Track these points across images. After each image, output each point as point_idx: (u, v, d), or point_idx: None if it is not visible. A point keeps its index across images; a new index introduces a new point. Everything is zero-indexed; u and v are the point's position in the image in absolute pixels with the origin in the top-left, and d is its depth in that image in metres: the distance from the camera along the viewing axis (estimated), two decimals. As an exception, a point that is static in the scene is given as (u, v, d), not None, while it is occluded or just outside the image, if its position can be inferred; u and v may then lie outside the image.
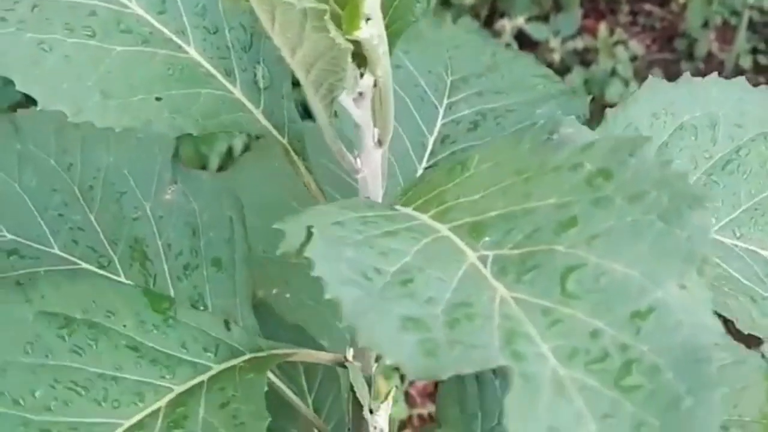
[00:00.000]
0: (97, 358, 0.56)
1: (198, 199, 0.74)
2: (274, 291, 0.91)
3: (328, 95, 0.53)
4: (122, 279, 0.73)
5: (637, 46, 2.25)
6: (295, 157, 0.60)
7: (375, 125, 0.56)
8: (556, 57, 2.18)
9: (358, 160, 0.58)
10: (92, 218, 0.73)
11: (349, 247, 0.44)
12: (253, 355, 0.61)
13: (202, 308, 0.73)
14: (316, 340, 0.88)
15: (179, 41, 0.56)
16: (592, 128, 0.85)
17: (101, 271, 0.73)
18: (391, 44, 0.54)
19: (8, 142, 0.75)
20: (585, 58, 2.23)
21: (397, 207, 0.53)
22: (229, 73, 0.57)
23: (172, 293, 0.72)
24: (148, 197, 0.74)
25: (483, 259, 0.45)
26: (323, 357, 0.70)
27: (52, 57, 0.51)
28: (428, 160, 0.78)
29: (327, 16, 0.46)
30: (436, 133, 0.79)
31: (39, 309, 0.56)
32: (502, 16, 2.15)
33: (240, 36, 0.58)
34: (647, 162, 0.43)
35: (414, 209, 0.52)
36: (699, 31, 2.29)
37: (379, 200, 0.60)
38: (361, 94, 0.53)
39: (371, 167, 0.58)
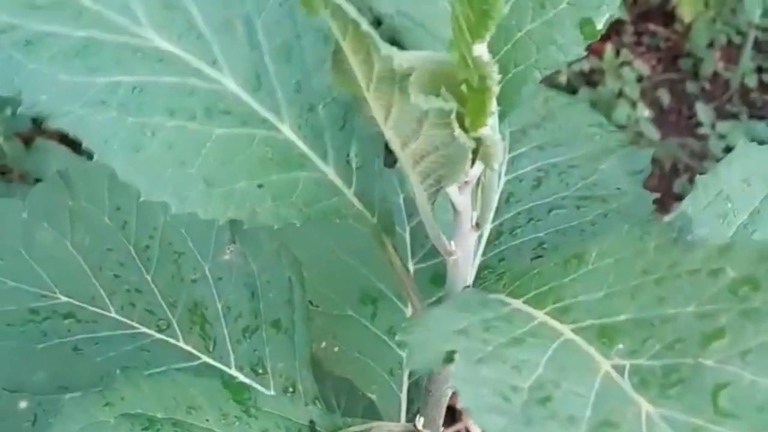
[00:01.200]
0: (185, 455, 0.54)
1: (257, 259, 0.73)
2: (323, 344, 0.89)
3: (434, 185, 0.51)
4: (181, 343, 0.71)
5: (642, 67, 2.24)
6: (384, 237, 0.58)
7: (473, 209, 0.55)
8: (563, 79, 2.17)
9: (452, 242, 0.56)
10: (149, 279, 0.72)
11: (484, 365, 0.42)
12: (332, 433, 0.60)
13: (261, 371, 0.72)
14: (365, 393, 0.86)
15: (274, 121, 0.54)
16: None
17: (160, 335, 0.71)
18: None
19: (60, 198, 0.73)
20: (591, 79, 2.22)
21: (504, 298, 0.51)
22: (323, 153, 0.55)
23: (231, 357, 0.71)
24: (206, 258, 0.72)
25: (619, 369, 0.43)
26: (395, 428, 0.69)
27: (155, 142, 0.49)
28: (493, 220, 0.77)
29: (453, 116, 0.44)
30: (500, 191, 0.78)
31: (120, 411, 0.54)
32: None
33: (333, 112, 0.56)
34: (798, 276, 0.41)
35: (525, 303, 0.50)
36: (704, 51, 2.29)
37: (468, 280, 0.59)
38: (466, 182, 0.51)
39: (465, 250, 0.57)
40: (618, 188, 0.77)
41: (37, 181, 1.73)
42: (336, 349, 0.89)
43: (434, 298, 0.78)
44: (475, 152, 0.49)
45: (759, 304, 0.41)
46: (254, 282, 0.72)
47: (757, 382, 0.39)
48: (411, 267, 0.86)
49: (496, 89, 0.44)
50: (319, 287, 0.85)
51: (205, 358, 0.71)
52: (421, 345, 0.44)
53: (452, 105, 0.44)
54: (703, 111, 2.20)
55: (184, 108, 0.50)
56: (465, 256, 0.57)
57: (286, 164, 0.53)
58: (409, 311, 0.85)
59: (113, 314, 0.71)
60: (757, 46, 2.32)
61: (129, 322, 0.71)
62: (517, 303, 0.51)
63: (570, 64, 2.20)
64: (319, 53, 0.56)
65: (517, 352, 0.44)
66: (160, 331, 0.71)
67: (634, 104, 2.16)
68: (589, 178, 0.78)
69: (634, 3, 2.34)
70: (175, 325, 0.71)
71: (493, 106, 0.45)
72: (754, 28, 2.24)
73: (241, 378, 0.71)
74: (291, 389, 0.72)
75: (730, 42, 2.32)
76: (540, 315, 0.48)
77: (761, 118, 2.24)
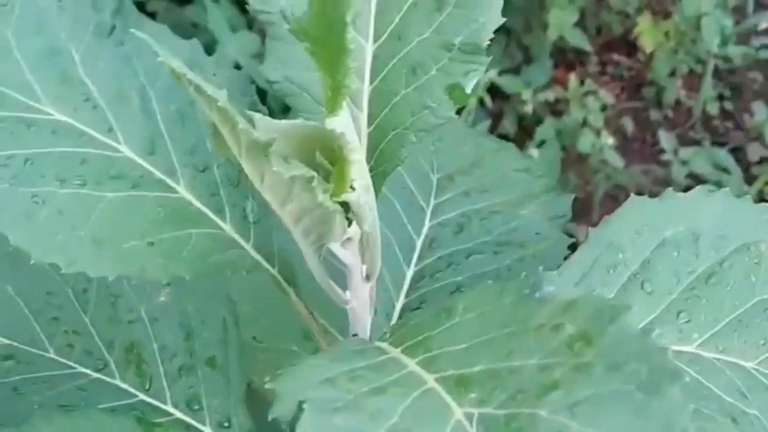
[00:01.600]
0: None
1: (191, 300, 0.76)
2: (267, 379, 0.92)
3: (317, 241, 0.54)
4: (117, 381, 0.74)
5: (606, 96, 2.28)
6: (286, 286, 0.61)
7: (363, 262, 0.58)
8: (528, 108, 2.21)
9: (347, 292, 0.59)
10: (87, 321, 0.75)
11: (339, 414, 0.45)
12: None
13: (197, 407, 0.75)
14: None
15: (170, 181, 0.57)
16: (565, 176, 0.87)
17: (97, 374, 0.74)
18: (377, 185, 0.56)
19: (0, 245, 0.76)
20: (556, 108, 2.26)
21: (384, 347, 0.54)
22: (219, 210, 0.59)
23: (167, 395, 0.74)
24: (142, 300, 0.75)
25: (469, 417, 0.46)
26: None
27: (45, 209, 0.53)
28: (416, 264, 0.80)
29: (314, 183, 0.48)
30: (423, 236, 0.81)
31: (35, 447, 0.57)
32: (474, 69, 2.17)
33: (228, 172, 0.60)
34: (627, 331, 0.45)
35: (402, 352, 0.53)
36: (666, 80, 2.33)
37: (368, 327, 0.62)
38: (349, 239, 0.55)
39: (360, 299, 0.60)
40: (537, 233, 0.80)
41: None
42: (279, 384, 0.92)
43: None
44: (345, 213, 0.52)
45: (590, 358, 0.44)
46: (189, 322, 0.75)
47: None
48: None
49: (354, 158, 0.47)
50: (263, 323, 0.88)
51: (141, 396, 0.74)
52: (285, 394, 0.47)
53: (312, 173, 0.48)
54: (666, 138, 2.24)
55: (75, 175, 0.54)
56: (361, 304, 0.60)
57: (178, 222, 0.56)
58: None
59: (52, 355, 0.74)
60: (718, 74, 2.36)
61: (67, 362, 0.74)
62: (395, 352, 0.54)
63: (535, 93, 2.24)
64: (212, 118, 0.59)
65: (377, 401, 0.47)
66: (97, 370, 0.74)
67: (598, 132, 2.20)
68: (510, 223, 0.81)
69: (598, 33, 2.39)
70: (113, 365, 0.74)
71: (356, 173, 0.49)
72: (713, 57, 2.28)
73: (178, 414, 0.74)
74: (226, 424, 0.74)
75: (691, 71, 2.36)
76: (411, 364, 0.51)
77: (723, 144, 2.28)
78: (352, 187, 0.49)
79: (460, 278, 0.79)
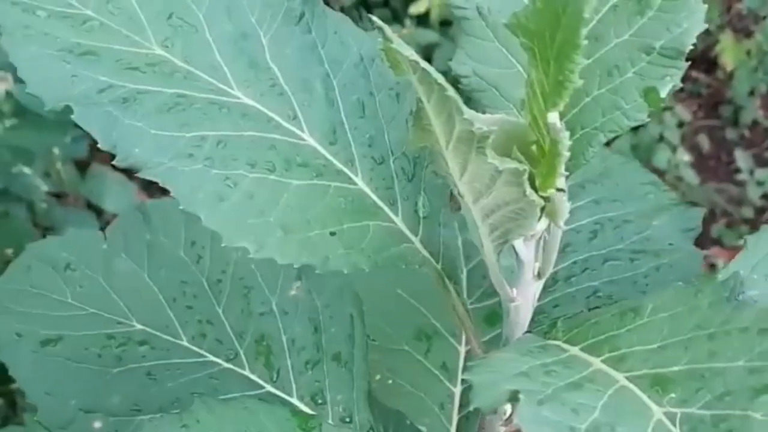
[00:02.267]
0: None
1: (321, 296, 0.76)
2: (378, 377, 0.92)
3: (501, 237, 0.54)
4: (247, 372, 0.74)
5: (683, 112, 2.27)
6: (449, 283, 0.61)
7: (536, 260, 0.58)
8: (605, 121, 2.20)
9: (514, 290, 0.59)
10: (220, 312, 0.75)
11: (545, 406, 0.45)
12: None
13: (320, 401, 0.75)
14: (415, 425, 0.89)
15: (349, 172, 0.57)
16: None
17: (228, 364, 0.74)
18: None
19: (138, 232, 0.77)
20: (633, 123, 2.25)
21: (561, 345, 0.54)
22: (393, 203, 0.59)
23: (293, 387, 0.74)
24: (274, 293, 0.75)
25: (671, 417, 0.46)
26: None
27: (237, 193, 0.53)
28: (553, 268, 0.79)
29: (525, 176, 0.48)
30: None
31: (195, 433, 0.57)
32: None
33: (404, 165, 0.60)
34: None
35: (582, 350, 0.53)
36: (745, 99, 2.31)
37: (526, 326, 0.62)
38: (532, 235, 0.55)
39: (526, 297, 0.59)
40: (670, 244, 0.80)
41: (90, 205, 1.79)
42: (390, 381, 0.92)
43: (488, 337, 0.81)
44: (542, 209, 0.52)
45: (802, 362, 0.44)
46: (318, 317, 0.76)
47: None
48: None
49: (566, 154, 0.47)
50: (376, 322, 0.88)
51: (268, 388, 0.74)
52: (486, 385, 0.47)
53: (525, 166, 0.48)
54: (742, 157, 2.22)
55: (264, 160, 0.54)
56: (525, 302, 0.60)
57: (357, 213, 0.56)
58: (462, 349, 0.88)
59: (185, 343, 0.74)
60: (798, 94, 2.35)
61: (199, 350, 0.74)
62: (574, 350, 0.53)
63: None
64: (391, 110, 0.59)
65: (575, 395, 0.47)
66: (227, 360, 0.74)
67: (674, 149, 2.19)
68: (643, 233, 0.81)
69: (676, 49, 2.37)
70: (242, 355, 0.74)
71: (563, 168, 0.48)
72: (795, 77, 2.26)
73: (302, 407, 0.74)
74: (348, 419, 0.75)
75: (770, 90, 2.34)
76: (596, 362, 0.51)
77: (799, 166, 2.26)
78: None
79: (596, 283, 0.78)
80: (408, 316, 0.89)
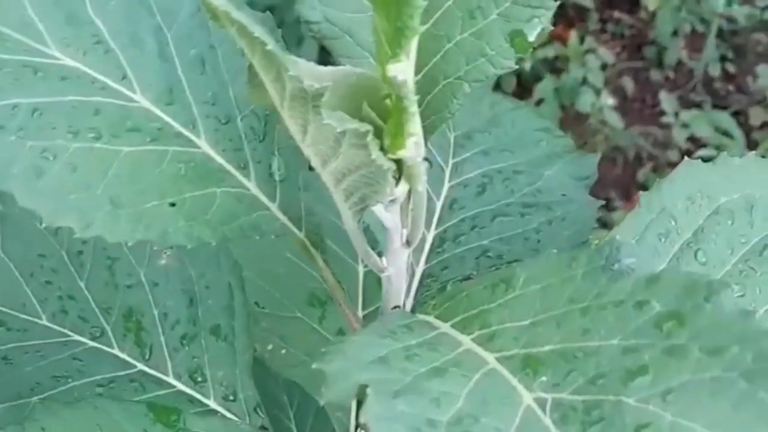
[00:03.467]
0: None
1: (195, 264, 0.71)
2: (270, 347, 0.87)
3: (359, 203, 0.49)
4: (115, 351, 0.69)
5: (607, 54, 2.23)
6: (314, 251, 0.56)
7: (403, 227, 0.52)
8: (527, 66, 2.15)
9: (383, 259, 0.54)
10: (82, 286, 0.69)
11: (401, 398, 0.40)
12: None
13: (200, 379, 0.70)
14: (311, 396, 0.85)
15: (189, 134, 0.51)
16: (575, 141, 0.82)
17: (93, 343, 0.69)
18: (425, 141, 0.51)
19: (-10, 204, 0.70)
20: (555, 66, 2.20)
21: (432, 321, 0.49)
22: (243, 166, 0.53)
23: (169, 365, 0.69)
24: (142, 263, 0.70)
25: (541, 403, 0.41)
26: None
27: (56, 166, 0.46)
28: (437, 227, 0.74)
29: (369, 138, 0.42)
30: (443, 197, 0.75)
31: (40, 443, 0.52)
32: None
33: (253, 124, 0.54)
34: (725, 311, 0.39)
35: (453, 326, 0.48)
36: (668, 39, 2.28)
37: (402, 296, 0.57)
38: (392, 200, 0.49)
39: (397, 266, 0.54)
40: (563, 195, 0.75)
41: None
42: (283, 351, 0.87)
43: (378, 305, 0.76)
44: (397, 172, 0.46)
45: (683, 340, 0.39)
46: (192, 288, 0.70)
47: (677, 423, 0.37)
48: (360, 270, 0.84)
49: (414, 110, 0.41)
50: (265, 288, 0.83)
51: (140, 366, 0.69)
52: (337, 375, 0.42)
53: (367, 126, 0.42)
54: (667, 100, 2.19)
55: (88, 128, 0.48)
56: (398, 272, 0.55)
57: (201, 180, 0.50)
58: (360, 313, 0.83)
59: (44, 321, 0.69)
60: (721, 35, 2.31)
61: (61, 329, 0.69)
62: (445, 327, 0.48)
63: (534, 50, 2.18)
64: (236, 64, 0.53)
65: (437, 383, 0.42)
66: (93, 338, 0.69)
67: (598, 92, 2.15)
68: (535, 184, 0.76)
69: (599, -10, 2.33)
70: (110, 333, 0.69)
71: (414, 127, 0.43)
72: (717, 17, 2.23)
73: (180, 386, 0.69)
74: (231, 397, 0.70)
75: (694, 30, 2.31)
76: (466, 341, 0.46)
77: (724, 107, 2.23)
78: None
79: (485, 242, 0.73)
80: (299, 281, 0.84)
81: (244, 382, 0.70)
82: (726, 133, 2.12)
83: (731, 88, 2.28)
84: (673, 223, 0.62)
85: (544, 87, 2.12)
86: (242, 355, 0.71)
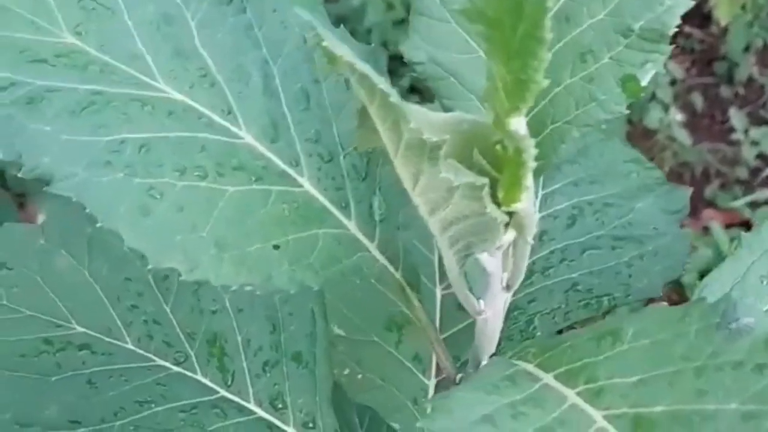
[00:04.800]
0: None
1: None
2: (346, 371, 0.87)
3: (463, 250, 0.48)
4: (198, 376, 0.69)
5: (676, 69, 2.19)
6: (410, 293, 0.55)
7: (504, 270, 0.51)
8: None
9: (481, 302, 0.53)
10: (168, 310, 0.70)
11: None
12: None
13: (280, 406, 0.69)
14: (386, 422, 0.84)
15: (293, 173, 0.51)
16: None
17: (177, 368, 0.69)
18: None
19: (78, 224, 0.70)
20: (624, 80, 2.17)
21: (533, 371, 0.48)
22: (344, 206, 0.52)
23: (250, 392, 0.69)
24: (227, 289, 0.69)
25: (657, 470, 0.40)
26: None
27: (163, 205, 0.46)
28: (528, 258, 0.74)
29: (485, 191, 0.41)
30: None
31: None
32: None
33: (355, 162, 0.53)
34: None
35: (556, 377, 0.47)
36: (739, 55, 2.23)
37: (496, 339, 0.56)
38: (499, 248, 0.48)
39: (495, 309, 0.53)
40: (655, 228, 0.74)
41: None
42: (360, 376, 0.87)
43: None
44: (507, 223, 0.45)
45: (808, 407, 0.38)
46: (276, 314, 0.70)
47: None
48: (438, 293, 0.83)
49: (532, 164, 0.41)
50: (343, 312, 0.83)
51: (222, 392, 0.69)
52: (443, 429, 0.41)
53: (483, 180, 0.41)
54: (737, 116, 2.15)
55: (195, 165, 0.47)
56: (495, 315, 0.54)
57: (303, 221, 0.50)
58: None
59: (129, 346, 0.69)
60: (795, 50, 2.27)
61: (146, 354, 0.69)
62: (548, 378, 0.47)
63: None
64: (340, 98, 0.52)
65: (546, 445, 0.41)
66: (177, 363, 0.69)
67: (666, 108, 2.12)
68: (625, 217, 0.75)
69: (669, 3, 2.29)
70: (193, 358, 0.69)
71: (529, 180, 0.42)
72: (791, 32, 2.19)
73: (260, 413, 0.69)
74: (311, 424, 0.69)
75: (766, 46, 2.26)
76: (571, 395, 0.45)
77: (796, 125, 2.19)
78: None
79: (575, 275, 0.72)
80: (377, 305, 0.83)
81: (324, 409, 0.70)
82: (797, 153, 2.08)
83: (802, 105, 2.24)
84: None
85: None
86: (323, 382, 0.70)
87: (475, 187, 0.41)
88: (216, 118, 0.49)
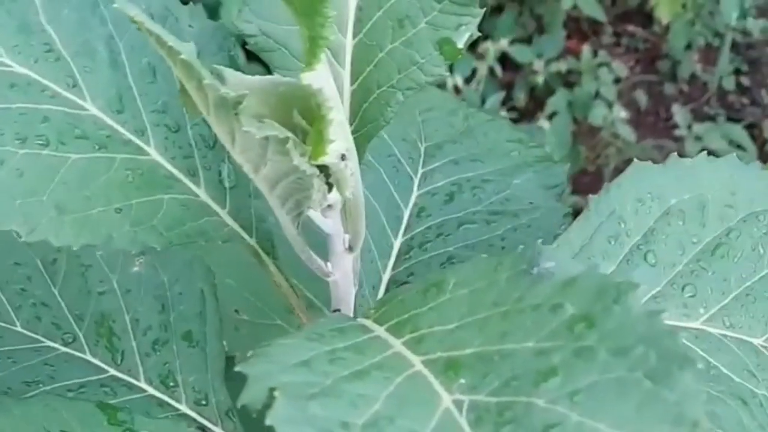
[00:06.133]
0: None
1: (167, 271, 0.72)
2: (250, 353, 0.88)
3: (294, 209, 0.50)
4: (87, 356, 0.70)
5: (620, 68, 2.23)
6: (265, 258, 0.57)
7: (346, 231, 0.53)
8: (540, 79, 2.16)
9: (328, 264, 0.55)
10: (56, 293, 0.71)
11: (316, 401, 0.41)
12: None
13: (172, 384, 0.71)
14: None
15: (139, 142, 0.53)
16: (576, 150, 0.82)
17: (65, 349, 0.70)
18: (361, 148, 0.52)
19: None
20: (568, 79, 2.21)
21: (368, 324, 0.50)
22: (193, 173, 0.54)
23: (140, 370, 0.70)
24: (114, 270, 0.71)
25: (458, 405, 0.42)
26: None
27: (3, 171, 0.48)
28: (404, 234, 0.76)
29: (289, 144, 0.43)
30: (411, 206, 0.77)
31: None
32: (485, 38, 2.12)
33: (203, 132, 0.55)
34: (633, 312, 0.40)
35: (387, 330, 0.49)
36: (682, 53, 2.27)
37: (351, 301, 0.58)
38: (329, 206, 0.50)
39: (342, 271, 0.56)
40: (531, 203, 0.76)
41: None
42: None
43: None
44: (327, 177, 0.48)
45: (592, 342, 0.40)
46: (165, 294, 0.71)
47: (583, 423, 0.38)
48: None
49: (332, 116, 0.43)
50: (245, 295, 0.84)
51: (112, 371, 0.70)
52: (258, 378, 0.43)
53: (287, 133, 0.43)
54: (680, 113, 2.19)
55: (36, 135, 0.49)
56: (343, 276, 0.56)
57: (148, 187, 0.52)
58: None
59: (18, 328, 0.70)
60: (735, 48, 2.30)
61: (34, 335, 0.70)
62: (380, 330, 0.49)
63: (547, 64, 2.18)
64: (187, 73, 0.54)
65: (357, 386, 0.42)
66: (65, 344, 0.70)
67: (610, 105, 2.15)
68: (503, 192, 0.77)
69: (613, 4, 2.33)
70: (82, 339, 0.70)
71: (335, 134, 0.44)
72: (731, 31, 2.22)
73: (151, 391, 0.70)
74: (204, 402, 0.71)
75: (708, 44, 2.30)
76: (397, 344, 0.47)
77: (738, 120, 2.22)
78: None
79: (451, 249, 0.75)
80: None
81: (216, 387, 0.71)
82: (739, 146, 2.11)
83: (745, 101, 2.27)
84: (622, 225, 0.62)
85: (557, 100, 2.12)
86: (214, 361, 0.71)
87: (281, 140, 0.43)
88: (60, 90, 0.51)
